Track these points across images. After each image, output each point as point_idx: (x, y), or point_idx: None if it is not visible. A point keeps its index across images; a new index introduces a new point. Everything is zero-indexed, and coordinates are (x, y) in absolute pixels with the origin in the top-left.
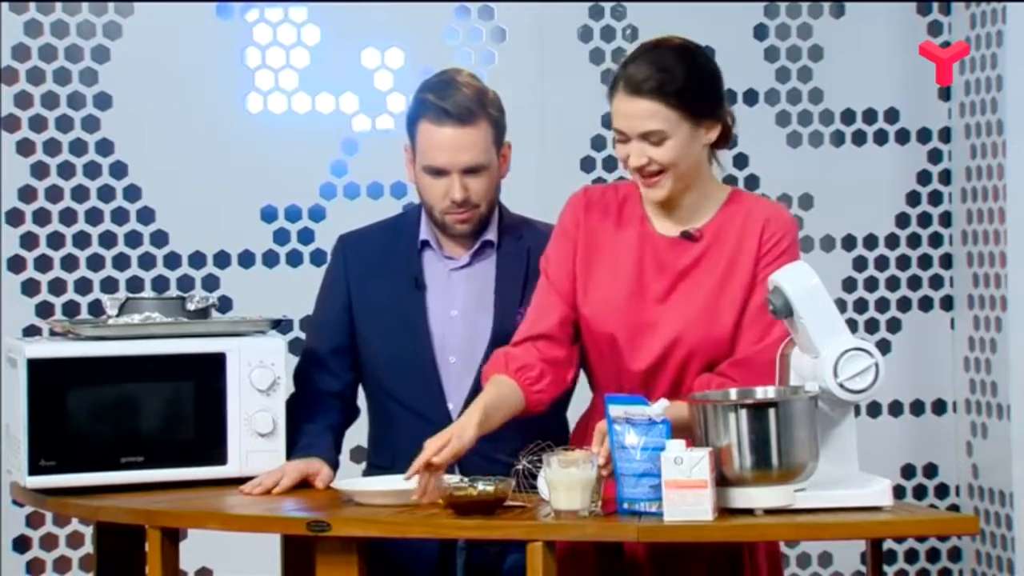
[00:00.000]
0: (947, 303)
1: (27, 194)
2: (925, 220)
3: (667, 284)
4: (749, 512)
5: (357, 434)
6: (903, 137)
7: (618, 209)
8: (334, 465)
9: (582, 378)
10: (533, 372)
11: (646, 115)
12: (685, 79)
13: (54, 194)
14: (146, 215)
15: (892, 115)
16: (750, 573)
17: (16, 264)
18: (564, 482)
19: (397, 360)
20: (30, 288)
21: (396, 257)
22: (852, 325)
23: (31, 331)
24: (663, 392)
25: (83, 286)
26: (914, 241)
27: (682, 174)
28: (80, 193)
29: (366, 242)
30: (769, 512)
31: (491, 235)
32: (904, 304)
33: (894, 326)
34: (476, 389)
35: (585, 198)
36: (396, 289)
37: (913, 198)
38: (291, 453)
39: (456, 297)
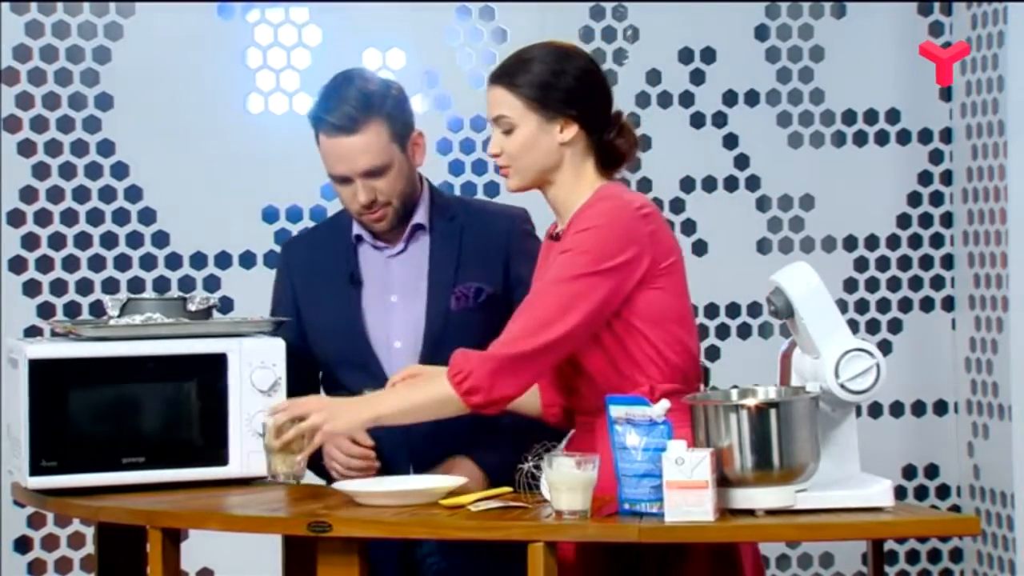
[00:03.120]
0: (948, 304)
1: (28, 195)
2: (926, 221)
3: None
4: (750, 513)
5: None
6: (904, 138)
7: None
8: None
9: None
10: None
11: (495, 101)
12: (537, 72)
13: (55, 195)
14: (147, 216)
15: (893, 116)
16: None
17: (17, 265)
18: (565, 483)
19: (341, 356)
20: (31, 289)
21: (334, 256)
22: (853, 326)
23: (32, 332)
24: None
25: (84, 287)
26: (915, 242)
27: (526, 167)
28: (81, 194)
29: (305, 245)
30: (770, 513)
31: (421, 218)
32: (905, 305)
33: (895, 327)
34: None
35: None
36: (335, 287)
37: (914, 199)
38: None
39: (394, 284)
